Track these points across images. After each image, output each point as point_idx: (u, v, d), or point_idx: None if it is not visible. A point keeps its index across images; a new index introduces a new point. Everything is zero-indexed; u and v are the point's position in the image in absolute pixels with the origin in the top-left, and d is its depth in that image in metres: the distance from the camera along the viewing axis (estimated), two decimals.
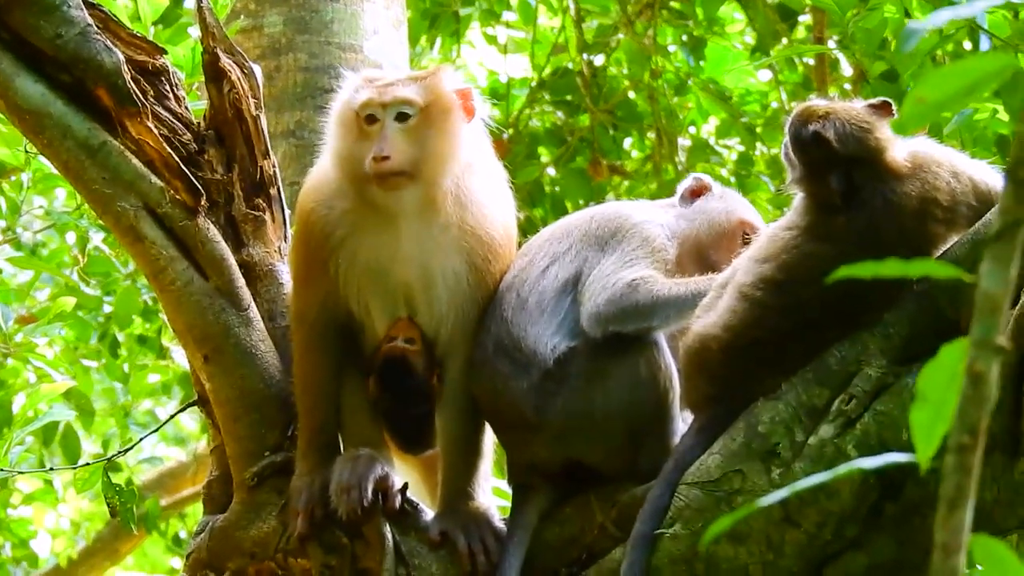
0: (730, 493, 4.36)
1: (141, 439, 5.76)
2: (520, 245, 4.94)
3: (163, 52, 5.05)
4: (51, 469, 6.50)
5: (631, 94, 9.58)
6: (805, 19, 9.33)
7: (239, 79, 5.03)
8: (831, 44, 8.40)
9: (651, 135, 9.58)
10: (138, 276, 8.38)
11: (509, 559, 4.64)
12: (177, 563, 12.56)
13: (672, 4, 9.38)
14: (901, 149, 4.45)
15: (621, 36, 9.43)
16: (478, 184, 4.81)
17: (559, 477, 4.70)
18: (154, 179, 4.86)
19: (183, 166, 4.90)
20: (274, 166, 5.13)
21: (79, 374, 8.74)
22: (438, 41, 9.72)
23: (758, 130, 9.45)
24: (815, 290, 4.02)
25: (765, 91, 9.71)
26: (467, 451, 4.82)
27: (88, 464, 5.44)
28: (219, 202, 5.01)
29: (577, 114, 9.60)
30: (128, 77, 4.85)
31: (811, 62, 9.32)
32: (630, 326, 4.60)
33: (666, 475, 4.43)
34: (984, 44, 5.75)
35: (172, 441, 12.99)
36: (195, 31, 5.66)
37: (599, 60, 9.60)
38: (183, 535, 11.94)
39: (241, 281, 4.92)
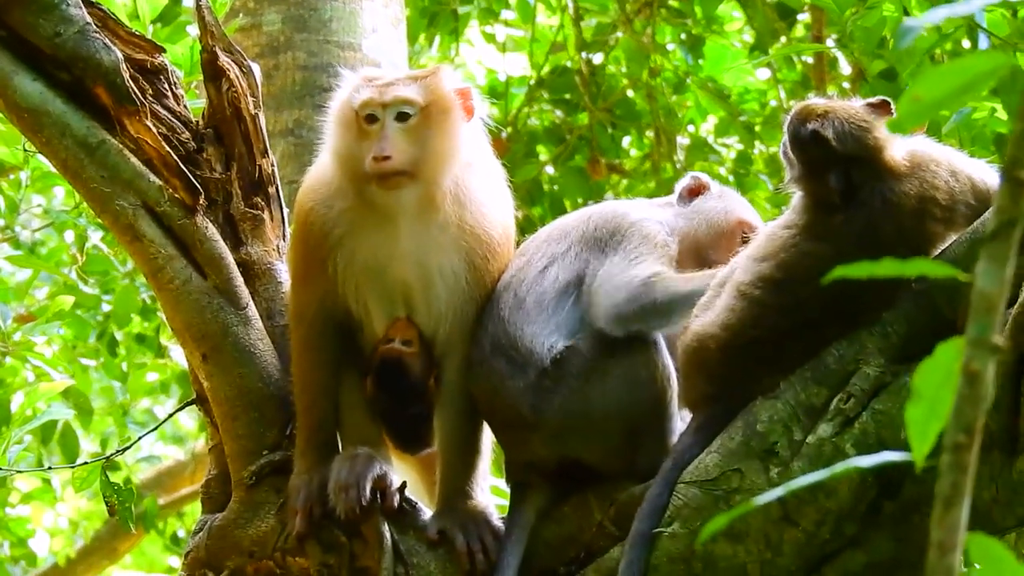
0: (728, 492, 4.36)
1: (139, 438, 5.76)
2: (519, 244, 4.94)
3: (162, 50, 5.05)
4: (49, 468, 6.48)
5: (630, 92, 9.58)
6: (804, 18, 9.34)
7: (238, 77, 5.03)
8: (830, 43, 8.41)
9: (650, 134, 9.58)
10: (136, 275, 8.38)
11: (507, 558, 4.64)
12: (175, 562, 12.55)
13: (671, 2, 9.38)
14: (900, 148, 4.45)
15: (620, 34, 9.44)
16: (477, 183, 4.80)
17: (557, 476, 4.69)
18: (152, 177, 4.86)
19: (182, 164, 4.89)
20: (273, 165, 5.13)
21: (77, 373, 8.74)
22: (437, 39, 9.72)
23: (757, 129, 9.45)
24: (813, 289, 4.02)
25: (764, 90, 9.71)
26: (465, 450, 4.82)
27: (86, 463, 5.42)
28: (217, 201, 5.00)
29: (576, 112, 9.60)
30: (127, 75, 4.85)
31: (810, 61, 9.33)
32: (652, 323, 4.59)
33: (664, 474, 4.43)
34: (983, 43, 5.75)
35: (170, 440, 12.99)
36: (194, 29, 5.66)
37: (598, 59, 9.60)
38: (181, 534, 11.93)
39: (239, 280, 4.92)
